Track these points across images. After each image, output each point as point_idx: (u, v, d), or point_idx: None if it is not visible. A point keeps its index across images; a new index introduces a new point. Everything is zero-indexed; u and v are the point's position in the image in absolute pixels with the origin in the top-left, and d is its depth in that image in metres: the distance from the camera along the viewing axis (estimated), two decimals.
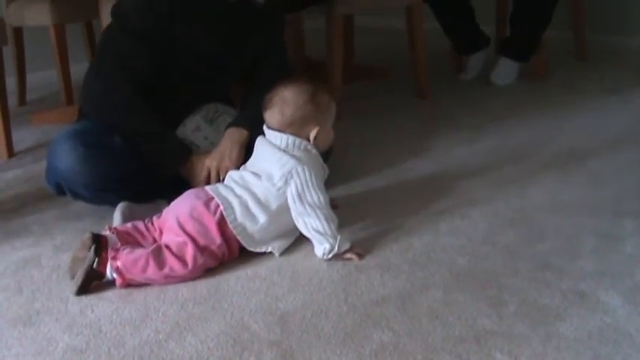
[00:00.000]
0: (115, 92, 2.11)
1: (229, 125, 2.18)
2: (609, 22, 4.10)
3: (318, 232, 1.80)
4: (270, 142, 1.91)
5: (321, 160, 1.94)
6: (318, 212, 1.80)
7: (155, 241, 1.85)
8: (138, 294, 1.71)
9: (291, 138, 1.89)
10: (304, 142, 1.90)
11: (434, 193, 2.22)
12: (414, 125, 2.97)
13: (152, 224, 1.88)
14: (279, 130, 1.91)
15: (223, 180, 2.07)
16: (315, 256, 1.82)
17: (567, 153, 2.52)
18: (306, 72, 3.52)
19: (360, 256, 1.82)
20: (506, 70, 3.49)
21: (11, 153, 2.85)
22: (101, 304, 1.68)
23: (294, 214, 1.83)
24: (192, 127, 2.22)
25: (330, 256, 1.80)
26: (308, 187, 1.82)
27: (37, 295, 1.75)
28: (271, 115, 1.93)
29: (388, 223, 2.02)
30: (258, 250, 1.85)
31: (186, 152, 2.15)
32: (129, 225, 1.87)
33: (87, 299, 1.70)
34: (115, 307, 1.66)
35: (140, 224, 1.87)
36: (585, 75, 3.58)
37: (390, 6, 3.53)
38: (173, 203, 1.89)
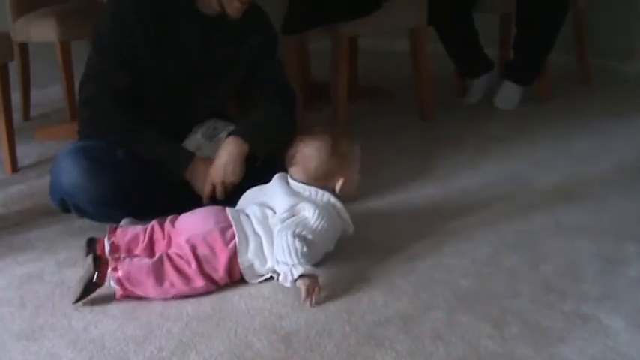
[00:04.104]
0: (103, 117, 2.16)
1: (229, 134, 2.16)
2: (613, 47, 4.12)
3: (281, 261, 1.74)
4: (293, 190, 1.89)
5: (346, 217, 1.89)
6: (291, 249, 1.71)
7: (151, 247, 1.86)
8: (142, 310, 1.71)
9: (313, 190, 1.88)
10: (327, 195, 1.88)
11: (437, 215, 2.23)
12: (417, 147, 2.98)
13: (161, 228, 1.88)
14: (304, 183, 1.89)
15: (230, 193, 2.08)
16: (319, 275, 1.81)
17: (571, 176, 2.52)
18: (310, 93, 3.53)
19: (312, 292, 1.69)
20: (509, 94, 3.50)
21: (15, 168, 2.85)
22: (105, 320, 1.68)
23: (275, 229, 1.79)
24: (192, 147, 2.22)
25: (287, 283, 1.71)
26: (306, 225, 1.78)
27: (41, 310, 1.75)
28: (295, 172, 1.91)
29: (391, 245, 2.02)
30: (256, 281, 1.81)
31: (190, 155, 2.16)
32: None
33: (90, 315, 1.71)
34: (118, 323, 1.66)
35: (140, 233, 1.87)
36: (588, 99, 3.59)
37: (395, 28, 3.54)
38: (191, 217, 1.89)
